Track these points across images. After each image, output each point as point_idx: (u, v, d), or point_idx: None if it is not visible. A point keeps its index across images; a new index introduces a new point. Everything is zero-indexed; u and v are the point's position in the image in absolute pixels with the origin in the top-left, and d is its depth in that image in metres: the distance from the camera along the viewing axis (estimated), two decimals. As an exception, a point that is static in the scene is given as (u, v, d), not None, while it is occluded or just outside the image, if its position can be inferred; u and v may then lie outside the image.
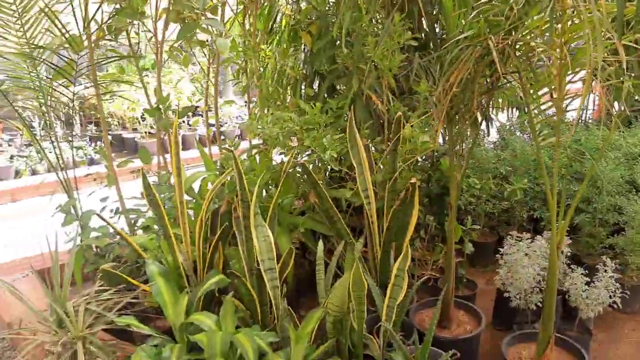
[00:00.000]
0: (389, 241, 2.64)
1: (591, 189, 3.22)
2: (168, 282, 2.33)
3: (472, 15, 1.86)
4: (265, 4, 3.56)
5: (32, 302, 2.54)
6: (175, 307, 2.24)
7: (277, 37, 3.79)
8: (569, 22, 1.78)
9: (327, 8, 3.50)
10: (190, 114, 7.15)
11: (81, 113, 6.36)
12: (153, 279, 2.29)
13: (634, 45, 1.70)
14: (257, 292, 2.40)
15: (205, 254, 2.60)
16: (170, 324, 2.24)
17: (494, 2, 1.80)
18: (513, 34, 1.79)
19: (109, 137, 7.13)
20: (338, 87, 3.58)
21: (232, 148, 2.94)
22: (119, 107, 6.80)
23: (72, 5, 2.87)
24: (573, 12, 1.70)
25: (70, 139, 3.48)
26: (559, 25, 1.76)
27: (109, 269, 2.41)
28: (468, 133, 2.48)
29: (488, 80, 2.15)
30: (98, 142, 6.71)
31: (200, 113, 6.98)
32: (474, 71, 2.00)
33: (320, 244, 2.51)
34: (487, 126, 4.07)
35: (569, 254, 2.81)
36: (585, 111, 5.32)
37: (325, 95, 3.53)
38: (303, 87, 3.65)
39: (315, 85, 3.66)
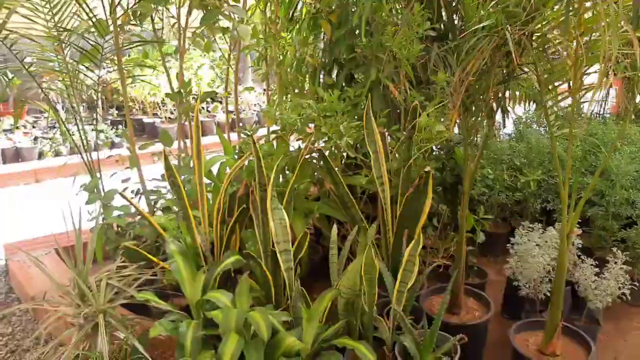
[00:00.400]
0: (402, 228, 2.69)
1: (605, 183, 3.23)
2: (186, 260, 2.42)
3: (490, 6, 1.89)
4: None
5: (59, 276, 2.64)
6: (192, 284, 2.33)
7: (298, 25, 3.83)
8: (586, 15, 1.80)
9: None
10: (209, 100, 7.24)
11: (103, 97, 6.49)
12: (172, 257, 2.37)
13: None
14: (271, 273, 2.47)
15: (223, 235, 2.69)
16: (188, 300, 2.32)
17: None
18: (530, 25, 1.82)
19: (130, 121, 7.29)
20: (356, 75, 3.62)
21: (251, 133, 3.00)
22: (140, 92, 6.92)
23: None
24: (590, 4, 1.73)
25: (94, 121, 3.57)
26: (576, 18, 1.79)
27: (131, 246, 2.50)
28: (483, 123, 2.51)
29: (504, 70, 2.18)
30: (119, 126, 6.84)
31: (220, 99, 7.06)
32: (490, 61, 2.04)
33: (335, 227, 2.57)
34: (503, 118, 4.09)
35: (580, 246, 2.84)
36: (603, 104, 5.29)
37: (344, 84, 3.59)
38: (322, 75, 3.70)
39: (334, 74, 3.71)
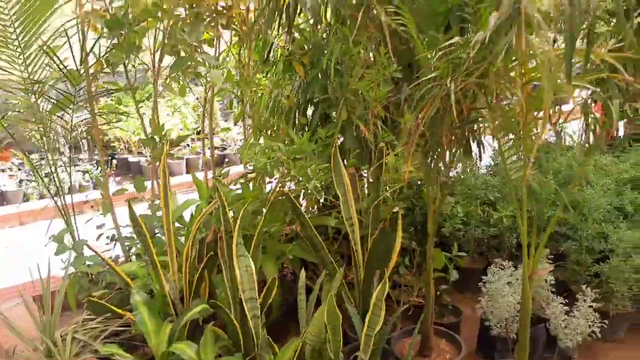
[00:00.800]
0: (371, 268, 2.69)
1: (577, 217, 3.24)
2: (152, 311, 2.41)
3: (436, 57, 1.93)
4: (260, 36, 3.67)
5: (29, 327, 2.63)
6: (157, 336, 2.31)
7: (274, 67, 3.89)
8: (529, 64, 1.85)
9: (322, 36, 3.58)
10: (194, 136, 7.30)
11: (89, 137, 6.53)
12: (137, 308, 2.36)
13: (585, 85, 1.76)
14: (239, 321, 2.46)
15: (192, 282, 2.68)
16: (153, 352, 2.31)
17: (456, 44, 1.87)
18: (474, 75, 1.86)
19: (115, 161, 7.33)
20: (331, 115, 3.67)
21: (221, 177, 3.02)
22: (124, 131, 6.98)
23: (70, 42, 3.00)
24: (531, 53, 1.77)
25: (68, 164, 3.59)
26: (520, 67, 1.83)
27: (94, 299, 2.49)
28: (444, 162, 2.54)
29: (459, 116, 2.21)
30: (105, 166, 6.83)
31: (207, 137, 7.11)
32: (442, 109, 2.07)
33: (302, 273, 2.58)
34: (480, 150, 4.11)
35: (553, 281, 2.84)
36: (583, 134, 5.31)
37: (319, 123, 3.63)
38: (297, 115, 3.75)
39: (310, 113, 3.75)
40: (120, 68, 3.37)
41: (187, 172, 7.04)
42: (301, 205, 3.31)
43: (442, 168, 2.53)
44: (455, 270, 3.13)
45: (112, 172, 6.90)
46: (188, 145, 7.29)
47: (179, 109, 6.95)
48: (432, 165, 2.44)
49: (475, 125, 2.57)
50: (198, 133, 5.89)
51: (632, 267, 2.99)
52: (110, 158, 7.13)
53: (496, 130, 2.11)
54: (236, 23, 3.59)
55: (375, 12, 2.27)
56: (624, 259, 3.00)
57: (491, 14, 1.63)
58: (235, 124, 3.84)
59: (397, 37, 2.35)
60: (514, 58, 1.82)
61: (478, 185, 3.63)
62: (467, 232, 3.51)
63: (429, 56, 2.09)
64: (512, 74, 1.93)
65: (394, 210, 2.75)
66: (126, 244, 3.29)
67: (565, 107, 2.38)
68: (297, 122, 3.71)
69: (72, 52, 3.03)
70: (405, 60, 2.55)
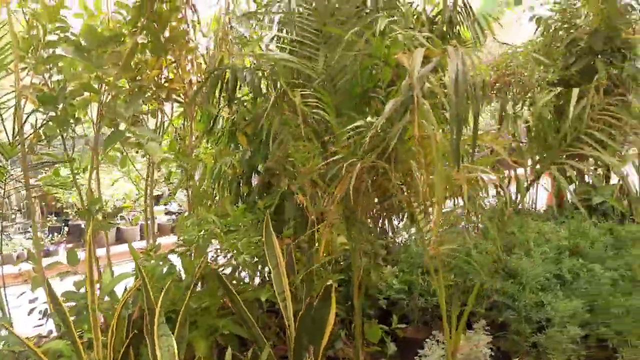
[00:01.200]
0: (300, 347, 2.63)
1: (514, 286, 3.25)
2: (68, 395, 2.31)
3: (346, 137, 1.98)
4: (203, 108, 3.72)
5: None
6: (69, 423, 2.21)
7: (219, 137, 3.92)
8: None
9: (264, 107, 3.63)
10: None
11: (43, 203, 6.46)
12: (50, 393, 2.26)
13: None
14: (161, 403, 2.37)
15: (117, 360, 2.59)
16: None
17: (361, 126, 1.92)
18: (376, 154, 1.90)
19: (67, 228, 7.20)
20: (274, 184, 3.68)
21: (150, 250, 2.98)
22: (77, 198, 6.89)
23: (2, 117, 3.00)
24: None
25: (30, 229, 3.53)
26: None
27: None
28: (373, 234, 2.55)
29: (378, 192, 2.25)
30: (55, 233, 6.73)
31: (165, 203, 7.09)
32: (358, 186, 2.10)
33: (229, 351, 2.51)
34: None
35: (492, 354, 2.82)
36: (533, 198, 5.42)
37: (265, 193, 3.64)
38: (241, 184, 3.76)
39: (254, 182, 3.77)
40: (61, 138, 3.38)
41: (142, 239, 6.95)
42: (237, 278, 3.27)
43: (371, 239, 2.54)
44: (394, 342, 3.09)
45: (64, 238, 6.77)
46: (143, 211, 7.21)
47: (129, 174, 6.91)
48: (356, 237, 2.45)
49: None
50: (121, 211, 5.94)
51: (568, 337, 2.99)
52: (63, 224, 7.00)
53: (410, 206, 2.13)
54: (180, 95, 3.65)
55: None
56: (560, 329, 3.00)
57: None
58: (174, 195, 3.81)
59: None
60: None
61: (420, 254, 3.64)
62: (410, 302, 3.49)
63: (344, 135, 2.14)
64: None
65: (327, 283, 2.73)
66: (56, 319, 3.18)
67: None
68: (240, 191, 3.72)
69: (4, 126, 3.03)
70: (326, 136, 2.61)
